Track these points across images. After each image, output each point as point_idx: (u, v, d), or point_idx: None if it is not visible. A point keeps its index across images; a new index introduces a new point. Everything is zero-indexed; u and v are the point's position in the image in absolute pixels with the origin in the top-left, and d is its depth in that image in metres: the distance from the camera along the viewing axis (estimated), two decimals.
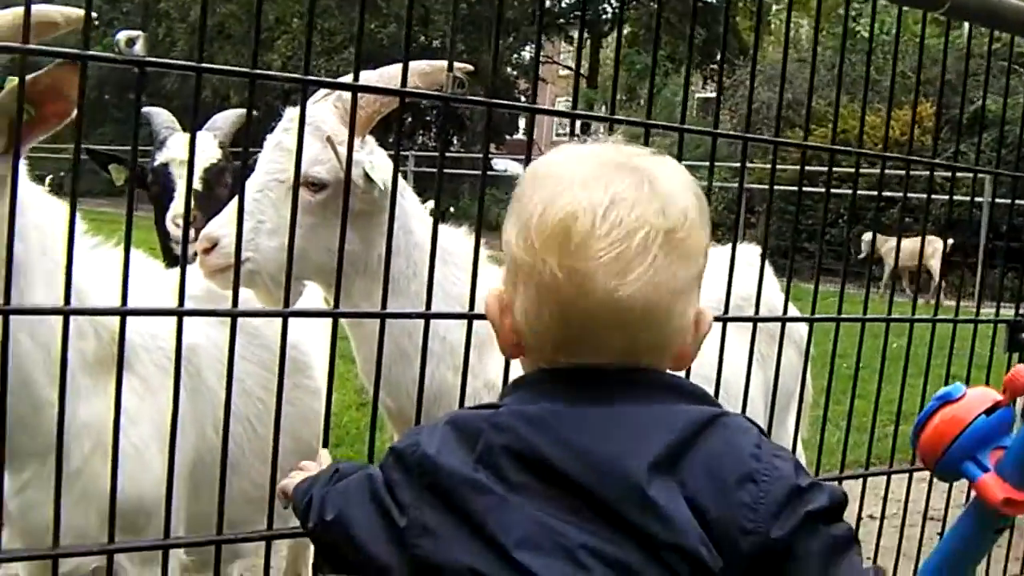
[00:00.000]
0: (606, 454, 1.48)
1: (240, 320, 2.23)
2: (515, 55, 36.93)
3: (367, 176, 2.80)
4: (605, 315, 1.52)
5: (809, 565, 1.48)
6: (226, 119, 4.78)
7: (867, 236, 19.26)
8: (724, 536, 1.45)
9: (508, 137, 42.06)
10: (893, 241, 17.67)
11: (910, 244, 17.25)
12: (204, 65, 2.06)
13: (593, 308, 1.52)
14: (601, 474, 1.48)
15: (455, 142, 38.21)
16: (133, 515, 2.51)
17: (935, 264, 18.35)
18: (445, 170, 2.59)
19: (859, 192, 3.06)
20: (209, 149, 4.54)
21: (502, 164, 31.79)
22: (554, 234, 1.53)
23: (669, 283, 1.51)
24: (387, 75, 2.75)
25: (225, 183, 4.57)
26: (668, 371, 1.62)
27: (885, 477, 3.36)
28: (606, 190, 1.52)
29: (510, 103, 2.67)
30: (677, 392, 1.59)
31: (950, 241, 17.40)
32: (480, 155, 30.94)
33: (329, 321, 3.53)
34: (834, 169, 2.97)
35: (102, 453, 2.51)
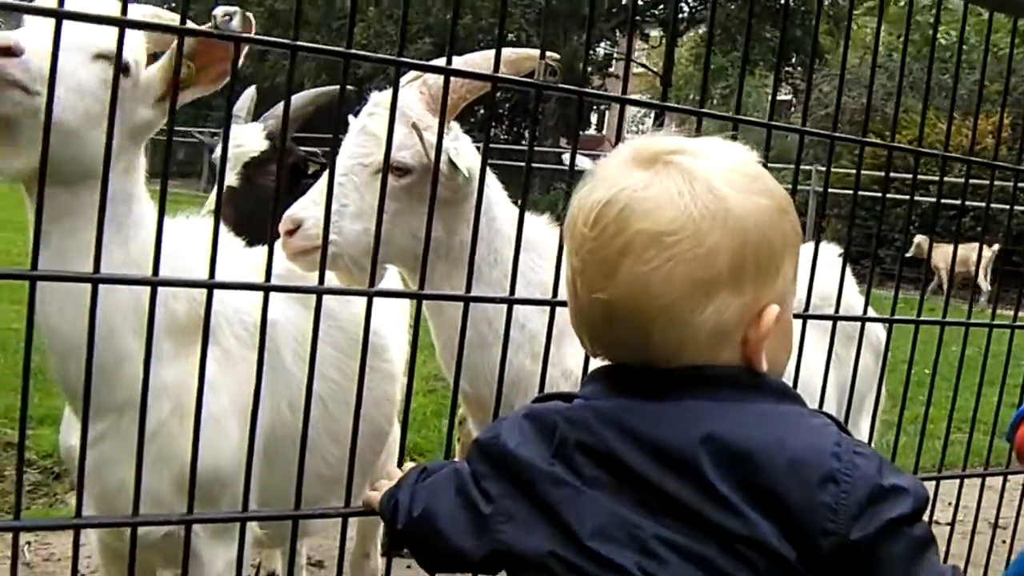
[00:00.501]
0: (674, 449, 1.49)
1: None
2: (589, 52, 36.95)
3: (452, 163, 2.80)
4: (599, 313, 1.56)
5: (891, 566, 1.47)
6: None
7: (918, 239, 19.47)
8: (806, 534, 1.45)
9: (580, 133, 41.95)
10: (945, 247, 17.87)
11: (962, 251, 17.21)
12: (300, 43, 2.07)
13: (587, 307, 1.58)
14: (669, 469, 1.49)
15: (525, 136, 38.22)
16: (209, 484, 2.54)
17: (982, 271, 18.49)
18: (514, 163, 2.61)
19: (930, 200, 3.06)
20: (252, 141, 4.45)
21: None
22: (568, 233, 1.61)
23: (667, 284, 1.50)
24: (471, 62, 2.76)
25: (270, 174, 4.45)
26: (747, 367, 1.58)
27: (956, 483, 3.34)
28: (609, 189, 1.54)
29: (600, 93, 2.66)
30: (754, 388, 1.57)
31: (996, 247, 17.60)
32: (552, 148, 31.03)
33: (405, 308, 3.56)
34: (908, 176, 2.96)
35: (179, 417, 2.56)
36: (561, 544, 1.53)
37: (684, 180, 1.52)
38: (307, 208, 2.80)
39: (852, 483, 1.46)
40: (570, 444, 1.57)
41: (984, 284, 19.19)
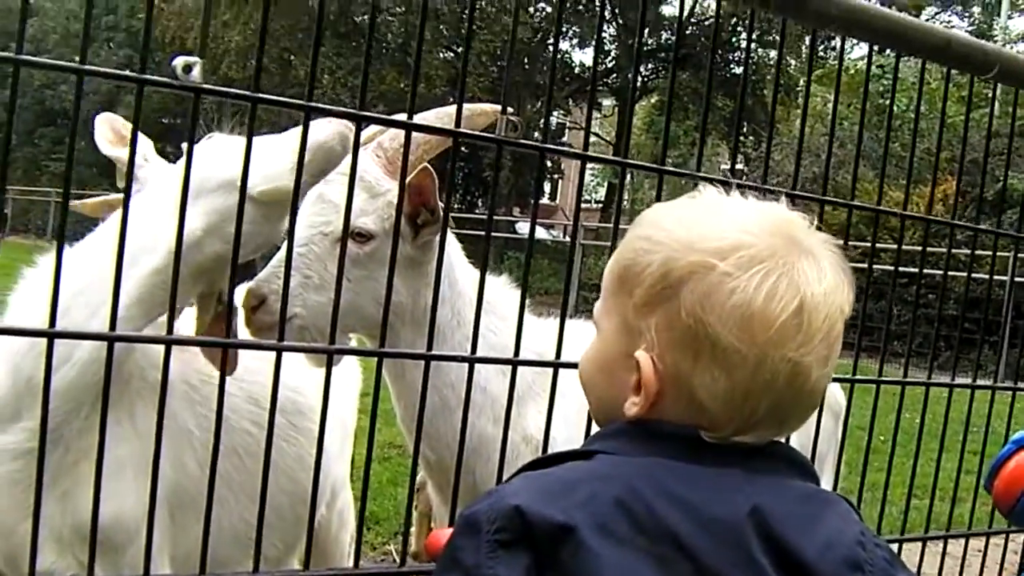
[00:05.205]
0: (725, 521, 1.44)
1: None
2: (542, 120, 37.12)
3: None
4: (804, 401, 1.55)
5: None
6: None
7: None
8: None
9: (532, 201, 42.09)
10: None
11: None
12: (260, 95, 2.06)
13: (797, 396, 1.52)
14: (720, 541, 1.42)
15: (480, 204, 38.32)
16: (111, 532, 2.48)
17: None
18: (469, 231, 2.60)
19: (878, 267, 3.06)
20: None
21: (526, 227, 31.76)
22: (785, 328, 1.48)
23: (833, 364, 1.55)
24: (425, 119, 2.74)
25: None
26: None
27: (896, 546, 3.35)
28: (820, 280, 1.51)
29: (561, 149, 2.65)
30: (793, 465, 1.58)
31: None
32: (505, 217, 31.09)
33: (356, 379, 3.52)
34: (852, 243, 2.96)
35: (90, 462, 2.54)
36: None
37: (837, 263, 1.57)
38: (270, 282, 2.77)
39: (875, 573, 1.47)
40: (602, 499, 1.44)
41: None
